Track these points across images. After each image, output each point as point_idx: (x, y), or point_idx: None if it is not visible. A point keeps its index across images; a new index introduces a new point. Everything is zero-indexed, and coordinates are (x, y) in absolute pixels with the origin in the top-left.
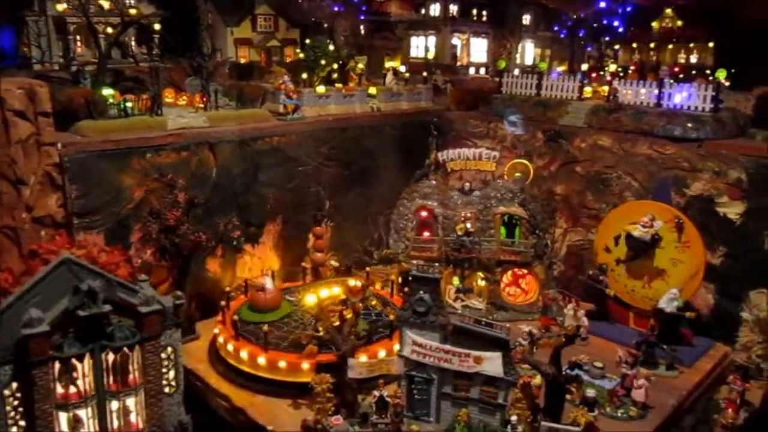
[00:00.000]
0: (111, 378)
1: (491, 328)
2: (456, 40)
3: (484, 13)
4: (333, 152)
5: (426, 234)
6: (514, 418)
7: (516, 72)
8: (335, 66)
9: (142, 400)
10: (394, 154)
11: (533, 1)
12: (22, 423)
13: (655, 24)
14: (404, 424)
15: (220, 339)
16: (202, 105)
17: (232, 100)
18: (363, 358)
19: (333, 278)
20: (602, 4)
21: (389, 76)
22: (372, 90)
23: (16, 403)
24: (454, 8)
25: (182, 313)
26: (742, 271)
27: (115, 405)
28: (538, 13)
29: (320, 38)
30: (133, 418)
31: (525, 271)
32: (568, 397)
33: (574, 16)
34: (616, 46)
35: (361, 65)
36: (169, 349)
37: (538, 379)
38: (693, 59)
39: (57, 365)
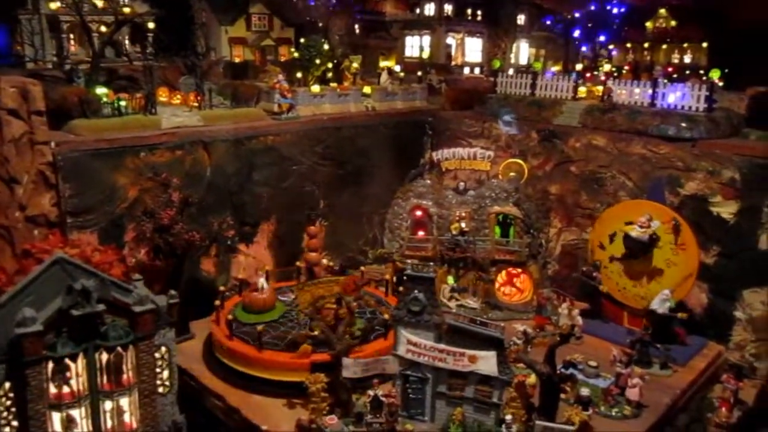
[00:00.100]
0: (105, 378)
1: (486, 328)
2: (451, 40)
3: (479, 12)
4: (327, 151)
5: (421, 233)
6: (508, 417)
7: (510, 72)
8: (330, 65)
9: (136, 400)
10: (389, 153)
11: (528, 1)
12: (15, 423)
13: (649, 24)
14: (399, 424)
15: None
16: (196, 104)
17: (227, 99)
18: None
19: (327, 278)
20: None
21: (384, 76)
22: (367, 89)
23: (8, 403)
24: (448, 8)
25: (176, 312)
26: (735, 271)
27: (108, 405)
28: (532, 12)
29: (315, 37)
30: (126, 418)
31: (519, 270)
32: (562, 396)
33: (569, 16)
34: (611, 46)
35: (355, 64)
36: (163, 348)
37: (532, 378)
38: (687, 59)
39: (50, 365)
